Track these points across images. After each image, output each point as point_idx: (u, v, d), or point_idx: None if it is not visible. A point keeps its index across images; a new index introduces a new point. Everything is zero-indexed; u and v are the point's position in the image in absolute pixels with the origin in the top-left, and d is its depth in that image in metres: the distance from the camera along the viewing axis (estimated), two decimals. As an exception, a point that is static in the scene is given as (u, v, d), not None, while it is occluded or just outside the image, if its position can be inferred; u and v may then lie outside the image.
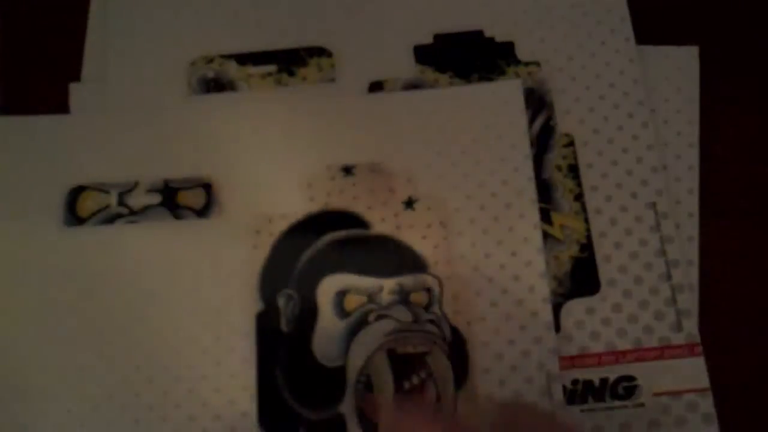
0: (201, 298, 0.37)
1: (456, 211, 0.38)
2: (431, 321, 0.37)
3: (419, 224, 0.38)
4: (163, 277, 0.38)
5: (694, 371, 0.36)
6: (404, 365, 0.36)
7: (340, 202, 0.39)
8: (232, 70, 0.42)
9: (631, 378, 0.36)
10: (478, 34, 0.42)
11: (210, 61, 0.42)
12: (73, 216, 0.39)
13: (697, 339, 0.37)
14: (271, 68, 0.42)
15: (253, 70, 0.42)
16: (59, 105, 0.41)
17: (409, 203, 0.39)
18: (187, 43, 0.42)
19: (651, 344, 0.37)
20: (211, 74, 0.42)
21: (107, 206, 0.39)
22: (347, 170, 0.39)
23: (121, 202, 0.39)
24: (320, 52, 0.42)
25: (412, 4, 0.43)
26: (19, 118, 0.41)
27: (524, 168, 0.39)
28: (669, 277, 0.38)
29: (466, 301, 0.37)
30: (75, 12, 0.43)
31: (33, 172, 0.39)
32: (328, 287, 0.37)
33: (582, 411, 0.36)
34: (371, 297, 0.37)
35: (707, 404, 0.36)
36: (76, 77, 0.42)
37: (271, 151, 0.40)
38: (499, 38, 0.42)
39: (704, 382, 0.36)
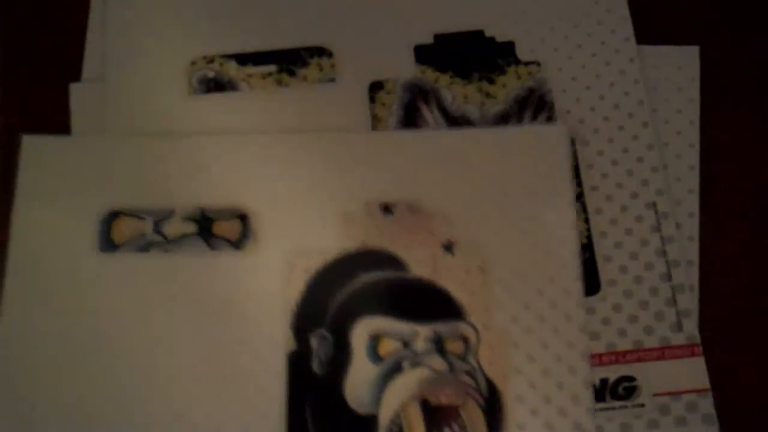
0: (233, 334, 0.36)
1: (495, 257, 0.37)
2: (467, 372, 0.36)
3: (457, 269, 0.37)
4: (195, 310, 0.37)
5: (694, 371, 0.36)
6: (437, 416, 0.35)
7: (377, 241, 0.38)
8: (232, 70, 0.42)
9: (631, 378, 0.36)
10: (478, 34, 0.42)
11: (210, 61, 0.42)
12: (108, 242, 0.38)
13: (698, 339, 0.37)
14: (271, 68, 0.42)
15: (253, 70, 0.42)
16: (59, 105, 0.41)
17: (448, 247, 0.38)
18: (187, 43, 0.42)
19: (651, 344, 0.37)
20: (211, 74, 0.42)
21: (142, 233, 0.38)
22: (386, 209, 0.38)
23: (156, 230, 0.38)
24: (320, 52, 0.42)
25: (412, 4, 0.43)
26: (56, 137, 0.40)
27: (567, 216, 0.38)
28: (669, 277, 0.38)
29: (502, 353, 0.36)
30: (75, 12, 0.43)
31: (70, 194, 0.39)
32: (362, 330, 0.36)
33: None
34: (406, 343, 0.36)
35: (707, 404, 0.36)
36: (76, 77, 0.42)
37: (310, 184, 0.39)
38: (499, 38, 0.42)
39: (704, 382, 0.36)
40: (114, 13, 0.43)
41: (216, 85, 0.41)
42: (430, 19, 0.43)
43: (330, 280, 0.37)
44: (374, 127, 0.41)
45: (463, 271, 0.37)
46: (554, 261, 0.37)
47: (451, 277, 0.37)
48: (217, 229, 0.38)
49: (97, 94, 0.41)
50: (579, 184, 0.39)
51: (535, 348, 0.36)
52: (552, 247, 0.37)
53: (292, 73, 0.42)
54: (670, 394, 0.36)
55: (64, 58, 0.42)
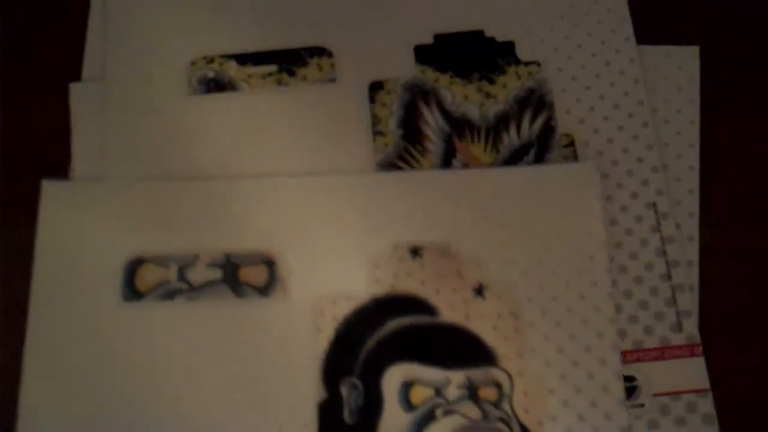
0: (260, 383, 0.36)
1: (528, 300, 0.37)
2: (501, 419, 0.35)
3: (489, 313, 0.37)
4: (222, 359, 0.36)
5: (694, 372, 0.36)
6: None
7: (407, 285, 0.37)
8: (232, 70, 0.42)
9: (631, 378, 0.36)
10: (478, 34, 0.42)
11: (210, 61, 0.42)
12: (132, 290, 0.37)
13: (697, 339, 0.37)
14: (271, 68, 0.42)
15: (253, 70, 0.42)
16: (59, 105, 0.41)
17: (479, 290, 0.37)
18: (187, 43, 0.42)
19: (651, 344, 0.37)
20: (211, 74, 0.42)
21: (167, 281, 0.37)
22: (415, 251, 0.37)
23: (181, 277, 0.37)
24: (320, 52, 0.42)
25: (412, 4, 0.43)
26: (77, 182, 0.39)
27: (599, 258, 0.37)
28: (669, 277, 0.38)
29: (537, 399, 0.35)
30: (75, 12, 0.43)
31: (91, 241, 0.38)
32: (393, 377, 0.36)
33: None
34: (438, 390, 0.35)
35: (707, 405, 0.36)
36: (76, 77, 0.42)
37: (338, 227, 0.38)
38: (499, 38, 0.42)
39: (704, 382, 0.36)
40: (114, 13, 0.43)
41: (216, 85, 0.41)
42: (430, 19, 0.43)
43: (359, 327, 0.36)
44: (374, 127, 0.41)
45: (494, 316, 0.36)
46: (587, 304, 0.37)
47: (482, 322, 0.36)
48: (243, 275, 0.37)
49: (97, 94, 0.41)
50: (579, 184, 0.40)
51: (570, 393, 0.35)
52: (584, 290, 0.37)
53: (292, 73, 0.42)
54: (670, 394, 0.36)
55: (64, 58, 0.42)
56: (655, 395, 0.36)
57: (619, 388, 0.35)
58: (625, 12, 0.42)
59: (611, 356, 0.36)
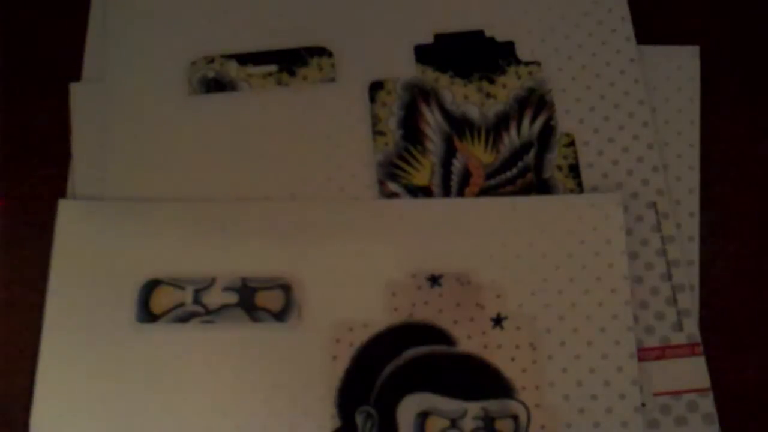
0: (274, 410, 0.36)
1: (547, 332, 0.36)
2: None
3: (507, 344, 0.36)
4: (236, 384, 0.36)
5: (694, 371, 0.36)
6: None
7: (424, 314, 0.37)
8: (233, 70, 0.42)
9: (631, 378, 0.36)
10: (478, 34, 0.42)
11: (210, 61, 0.42)
12: (147, 312, 0.37)
13: (698, 339, 0.37)
14: (272, 68, 0.42)
15: (253, 70, 0.42)
16: (59, 105, 0.41)
17: (498, 321, 0.37)
18: (187, 43, 0.42)
19: (651, 344, 0.37)
20: (211, 74, 0.42)
21: (182, 303, 0.37)
22: (434, 280, 0.37)
23: (196, 300, 0.37)
24: (320, 52, 0.42)
25: (413, 4, 0.43)
26: (93, 202, 0.39)
27: (621, 290, 0.37)
28: (669, 276, 0.38)
29: None
30: (75, 12, 0.43)
31: (107, 261, 0.38)
32: (409, 407, 0.35)
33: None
34: (454, 421, 0.35)
35: (707, 404, 0.36)
36: (76, 77, 0.42)
37: (356, 253, 0.38)
38: (499, 38, 0.42)
39: (705, 382, 0.36)
40: (114, 13, 0.43)
41: (216, 85, 0.41)
42: (430, 19, 0.43)
43: (376, 355, 0.36)
44: (374, 127, 0.41)
45: (513, 347, 0.36)
46: (608, 337, 0.36)
47: (500, 353, 0.36)
48: (260, 300, 0.37)
49: (97, 94, 0.41)
50: (579, 184, 0.39)
51: (587, 428, 0.35)
52: (605, 324, 0.37)
53: (292, 73, 0.42)
54: (670, 393, 0.36)
55: (64, 58, 0.42)
56: (656, 395, 0.36)
57: (638, 424, 0.35)
58: (625, 12, 0.42)
59: (631, 390, 0.36)
